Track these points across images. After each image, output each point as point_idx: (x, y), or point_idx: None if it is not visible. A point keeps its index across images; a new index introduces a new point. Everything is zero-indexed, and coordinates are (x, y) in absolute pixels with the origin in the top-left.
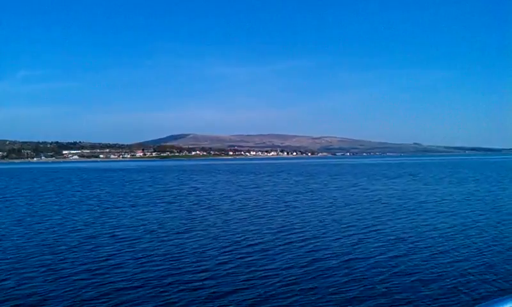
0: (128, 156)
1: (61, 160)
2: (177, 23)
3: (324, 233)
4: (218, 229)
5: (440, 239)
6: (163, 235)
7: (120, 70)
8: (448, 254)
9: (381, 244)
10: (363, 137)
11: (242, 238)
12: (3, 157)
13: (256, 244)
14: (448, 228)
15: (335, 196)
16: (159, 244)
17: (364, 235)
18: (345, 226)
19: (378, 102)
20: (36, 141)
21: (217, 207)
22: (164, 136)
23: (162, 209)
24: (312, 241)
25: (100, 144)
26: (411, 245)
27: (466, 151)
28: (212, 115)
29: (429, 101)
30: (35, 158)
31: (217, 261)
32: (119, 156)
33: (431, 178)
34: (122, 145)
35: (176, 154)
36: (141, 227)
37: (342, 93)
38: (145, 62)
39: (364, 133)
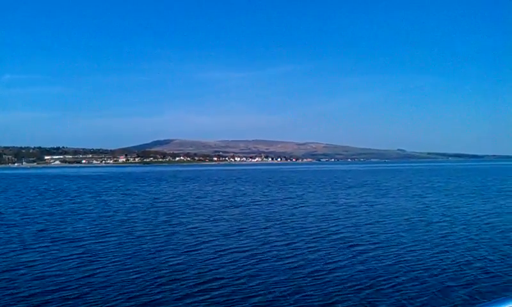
0: (111, 161)
1: (43, 165)
2: (162, 28)
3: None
4: None
5: None
6: None
7: (105, 75)
8: None
9: None
10: (347, 143)
11: None
12: None
13: None
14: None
15: (251, 215)
16: None
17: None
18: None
19: (363, 108)
20: (18, 146)
21: (69, 235)
22: (149, 141)
23: None
24: None
25: (83, 149)
26: None
27: (449, 158)
28: (198, 120)
29: (412, 107)
30: (16, 164)
31: None
32: (101, 161)
33: (395, 187)
34: (106, 151)
35: (160, 160)
36: None
37: (327, 100)
38: (130, 67)
39: (349, 140)
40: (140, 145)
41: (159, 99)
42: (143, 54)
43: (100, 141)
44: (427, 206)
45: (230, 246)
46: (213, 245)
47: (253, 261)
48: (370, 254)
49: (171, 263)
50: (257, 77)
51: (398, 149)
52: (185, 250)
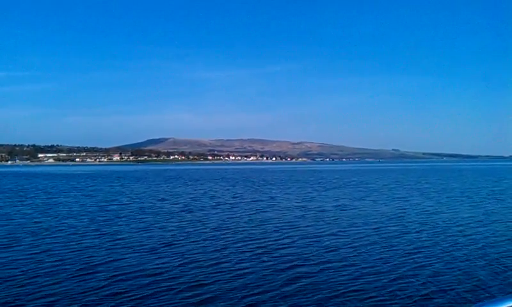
0: (105, 160)
1: (36, 163)
2: (158, 26)
3: None
4: None
5: None
6: None
7: (100, 73)
8: None
9: None
10: (342, 142)
11: None
12: None
13: None
14: None
15: (203, 222)
16: None
17: None
18: None
19: (358, 107)
20: (13, 143)
21: None
22: (144, 140)
23: None
24: None
25: (77, 147)
26: None
27: (444, 158)
28: (193, 119)
29: (408, 108)
30: (9, 162)
31: None
32: (95, 160)
33: (379, 188)
34: (100, 149)
35: (154, 158)
36: None
37: (323, 99)
38: (126, 65)
39: (344, 139)
40: (135, 144)
41: (155, 98)
42: (138, 52)
43: (96, 140)
44: (406, 212)
45: (143, 266)
46: (121, 265)
47: (151, 287)
48: (313, 279)
49: (45, 291)
50: (253, 75)
51: (393, 149)
52: (78, 273)
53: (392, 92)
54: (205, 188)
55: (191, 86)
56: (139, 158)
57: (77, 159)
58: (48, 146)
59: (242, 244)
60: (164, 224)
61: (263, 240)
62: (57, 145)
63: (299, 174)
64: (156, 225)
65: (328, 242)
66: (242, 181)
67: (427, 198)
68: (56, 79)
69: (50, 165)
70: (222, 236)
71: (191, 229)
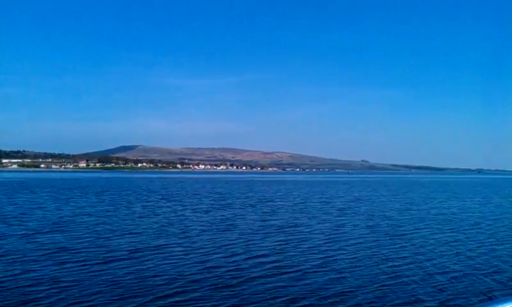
0: (71, 166)
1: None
2: (131, 32)
3: None
4: None
5: None
6: None
7: (69, 78)
8: None
9: None
10: (314, 153)
11: None
12: None
13: None
14: None
15: None
16: None
17: None
18: None
19: (329, 118)
20: None
21: None
22: (113, 147)
23: None
24: None
25: (44, 153)
26: None
27: (412, 170)
28: (163, 127)
29: (377, 119)
30: None
31: None
32: (61, 166)
33: (286, 207)
34: (67, 155)
35: (122, 166)
36: None
37: (295, 108)
38: (95, 71)
39: (315, 150)
40: (104, 150)
41: (125, 104)
42: (108, 57)
43: (65, 146)
44: (262, 255)
45: None
46: None
47: None
48: None
49: None
50: (226, 84)
51: (362, 161)
52: None
53: (362, 103)
54: (80, 203)
55: (161, 93)
56: (106, 165)
57: (42, 165)
58: (14, 152)
59: None
60: None
61: None
62: (23, 151)
63: (234, 185)
64: None
65: None
66: (149, 195)
67: (338, 230)
68: (23, 84)
69: (13, 171)
70: None
71: None
